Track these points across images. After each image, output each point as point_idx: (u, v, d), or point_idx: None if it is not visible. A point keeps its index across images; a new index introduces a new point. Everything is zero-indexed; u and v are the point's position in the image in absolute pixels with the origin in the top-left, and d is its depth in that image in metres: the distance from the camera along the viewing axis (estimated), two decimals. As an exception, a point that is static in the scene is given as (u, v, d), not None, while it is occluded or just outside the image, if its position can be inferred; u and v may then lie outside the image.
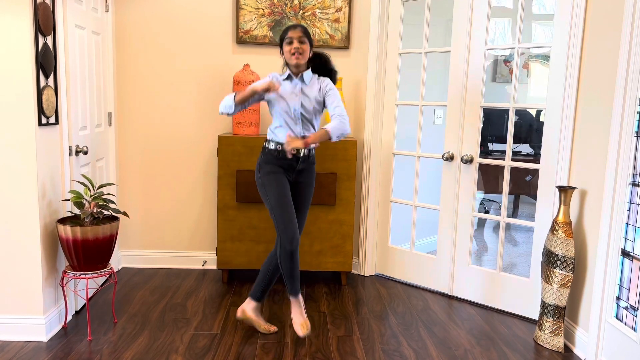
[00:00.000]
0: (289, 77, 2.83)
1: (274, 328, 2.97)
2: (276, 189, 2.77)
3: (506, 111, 5.63)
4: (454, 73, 3.46)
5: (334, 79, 2.93)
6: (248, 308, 2.96)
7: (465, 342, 2.93)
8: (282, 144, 2.79)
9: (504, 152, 5.35)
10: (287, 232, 2.72)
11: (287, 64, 2.85)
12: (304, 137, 2.70)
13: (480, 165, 3.51)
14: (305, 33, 2.78)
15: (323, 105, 2.87)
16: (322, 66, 2.92)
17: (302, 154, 2.82)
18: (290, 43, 2.76)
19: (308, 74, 2.83)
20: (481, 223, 5.81)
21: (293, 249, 2.73)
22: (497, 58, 6.52)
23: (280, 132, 2.82)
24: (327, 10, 3.79)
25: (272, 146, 2.82)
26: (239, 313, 2.98)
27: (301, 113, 2.79)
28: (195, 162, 3.93)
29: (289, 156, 2.67)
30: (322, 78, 2.87)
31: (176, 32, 3.80)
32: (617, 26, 2.56)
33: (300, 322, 2.81)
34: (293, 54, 2.76)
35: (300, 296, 2.85)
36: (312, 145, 2.68)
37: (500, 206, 4.99)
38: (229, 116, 2.77)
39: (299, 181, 2.90)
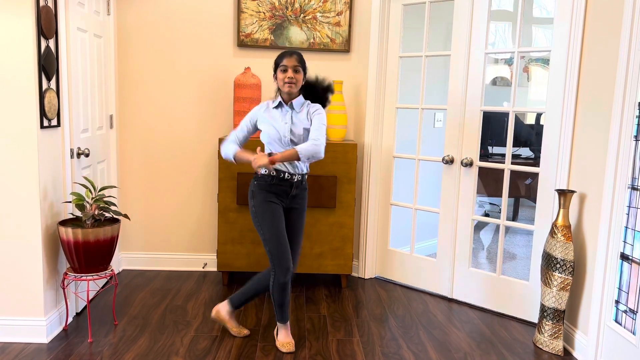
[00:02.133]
0: (279, 105, 2.83)
1: (245, 331, 2.98)
2: (271, 221, 2.75)
3: (505, 114, 5.64)
4: (454, 76, 3.47)
5: (324, 105, 2.95)
6: (223, 310, 2.96)
7: (465, 346, 2.94)
8: (277, 170, 2.78)
9: (504, 155, 5.37)
10: (282, 264, 2.72)
11: (279, 89, 2.84)
12: (270, 154, 2.68)
13: (480, 169, 3.51)
14: (301, 61, 2.79)
15: None
16: (317, 94, 2.92)
17: (295, 179, 2.80)
18: (285, 71, 2.75)
19: (298, 101, 2.83)
20: (479, 225, 5.82)
21: (287, 281, 2.74)
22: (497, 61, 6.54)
23: None
24: (328, 14, 3.81)
25: (264, 171, 2.78)
26: (213, 312, 2.99)
27: (290, 139, 2.79)
28: (196, 165, 3.95)
29: (259, 173, 2.75)
30: (312, 104, 2.86)
31: (178, 36, 3.82)
32: (617, 30, 2.57)
33: (286, 341, 2.83)
34: (286, 83, 2.76)
35: (288, 322, 2.88)
36: (278, 165, 2.74)
37: (500, 209, 5.00)
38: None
39: (293, 207, 2.87)
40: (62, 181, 2.98)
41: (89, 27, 3.28)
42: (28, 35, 2.60)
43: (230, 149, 2.79)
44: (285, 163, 2.78)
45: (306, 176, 2.91)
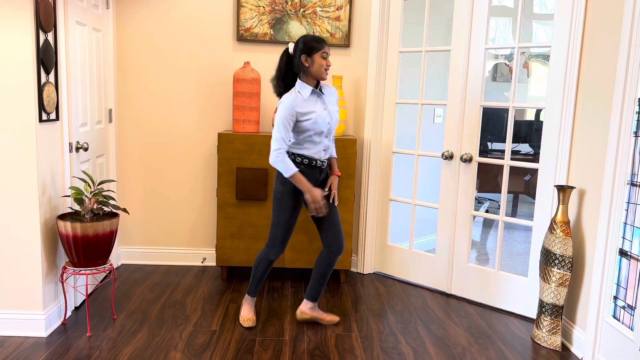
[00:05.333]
0: (312, 92, 2.81)
1: (336, 318, 3.08)
2: (289, 213, 2.85)
3: (505, 110, 5.64)
4: (454, 72, 3.46)
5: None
6: (306, 308, 3.05)
7: (463, 341, 2.95)
8: (309, 158, 2.82)
9: (503, 151, 5.36)
10: (281, 247, 2.92)
11: (305, 74, 2.78)
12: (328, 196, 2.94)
13: (480, 164, 3.51)
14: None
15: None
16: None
17: (325, 165, 2.90)
18: (325, 58, 2.76)
19: (324, 85, 2.89)
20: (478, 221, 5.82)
21: (274, 260, 2.95)
22: (497, 57, 6.52)
23: (309, 146, 2.82)
24: (328, 9, 3.79)
25: (298, 160, 2.81)
26: (298, 315, 3.07)
27: (330, 125, 2.86)
28: (195, 160, 3.94)
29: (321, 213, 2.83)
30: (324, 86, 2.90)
31: (177, 30, 3.80)
32: (617, 26, 2.57)
33: (249, 317, 3.01)
34: (326, 70, 2.78)
35: (255, 297, 3.07)
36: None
37: (499, 205, 5.00)
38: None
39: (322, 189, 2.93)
40: (61, 175, 2.97)
41: (87, 21, 3.27)
42: (26, 28, 2.59)
43: (293, 166, 2.74)
44: (321, 151, 2.85)
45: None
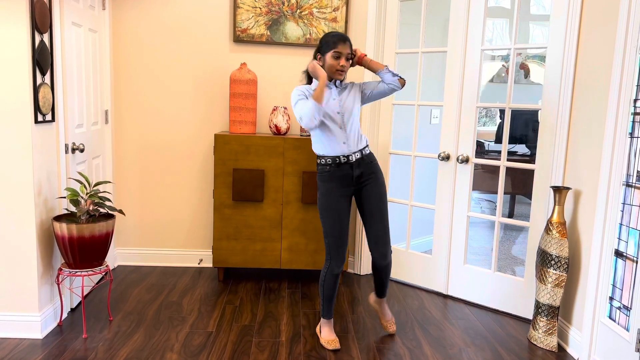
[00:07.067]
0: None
1: (392, 328, 3.02)
2: (331, 216, 2.71)
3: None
4: (451, 73, 3.47)
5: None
6: (372, 300, 3.06)
7: (460, 342, 2.95)
8: (332, 157, 2.71)
9: (499, 152, 5.37)
10: (339, 257, 2.74)
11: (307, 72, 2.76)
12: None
13: (480, 165, 3.51)
14: (352, 49, 2.72)
15: (361, 102, 2.82)
16: None
17: (354, 159, 2.71)
18: (338, 58, 2.65)
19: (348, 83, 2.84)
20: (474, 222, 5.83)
21: (339, 273, 2.78)
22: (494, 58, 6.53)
23: (327, 141, 2.72)
24: (325, 10, 3.79)
25: (323, 162, 2.72)
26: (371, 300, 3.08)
27: (342, 115, 2.72)
28: (192, 161, 3.94)
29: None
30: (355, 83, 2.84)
31: (173, 30, 3.80)
32: (612, 27, 2.57)
33: (331, 338, 2.82)
34: (337, 71, 2.67)
35: (332, 319, 2.89)
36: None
37: (495, 206, 5.01)
38: (315, 122, 2.61)
39: (364, 185, 2.78)
40: (57, 177, 2.97)
41: (83, 22, 3.26)
42: (22, 29, 2.59)
43: (310, 101, 2.56)
44: (341, 144, 2.69)
45: (367, 149, 2.78)
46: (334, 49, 2.65)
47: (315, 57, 2.74)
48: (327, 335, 2.83)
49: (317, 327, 2.95)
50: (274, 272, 3.99)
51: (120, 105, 3.85)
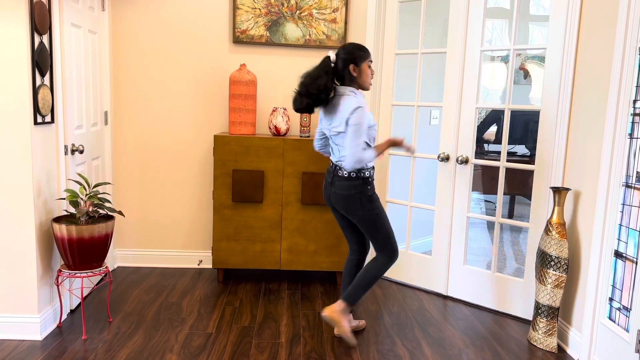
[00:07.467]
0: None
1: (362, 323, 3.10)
2: (386, 216, 2.84)
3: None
4: (450, 74, 3.47)
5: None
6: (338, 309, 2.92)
7: (460, 342, 2.95)
8: (372, 168, 2.81)
9: (499, 152, 5.37)
10: (397, 248, 2.87)
11: (351, 82, 2.74)
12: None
13: (480, 167, 3.51)
14: None
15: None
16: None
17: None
18: (371, 66, 2.77)
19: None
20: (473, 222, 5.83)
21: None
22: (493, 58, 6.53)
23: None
24: (324, 11, 3.80)
25: (367, 174, 2.77)
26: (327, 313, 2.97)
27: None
28: (192, 162, 3.94)
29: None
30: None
31: (173, 32, 3.80)
32: (612, 28, 2.57)
33: (357, 324, 3.05)
34: (371, 77, 2.80)
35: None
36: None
37: (495, 206, 5.01)
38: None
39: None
40: (56, 178, 2.97)
41: (83, 23, 3.26)
42: (21, 30, 2.59)
43: (372, 152, 2.68)
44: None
45: None
46: (369, 59, 2.75)
47: (346, 67, 2.71)
48: (349, 323, 2.98)
49: (348, 319, 2.92)
50: (274, 273, 3.99)
51: (119, 107, 3.85)
